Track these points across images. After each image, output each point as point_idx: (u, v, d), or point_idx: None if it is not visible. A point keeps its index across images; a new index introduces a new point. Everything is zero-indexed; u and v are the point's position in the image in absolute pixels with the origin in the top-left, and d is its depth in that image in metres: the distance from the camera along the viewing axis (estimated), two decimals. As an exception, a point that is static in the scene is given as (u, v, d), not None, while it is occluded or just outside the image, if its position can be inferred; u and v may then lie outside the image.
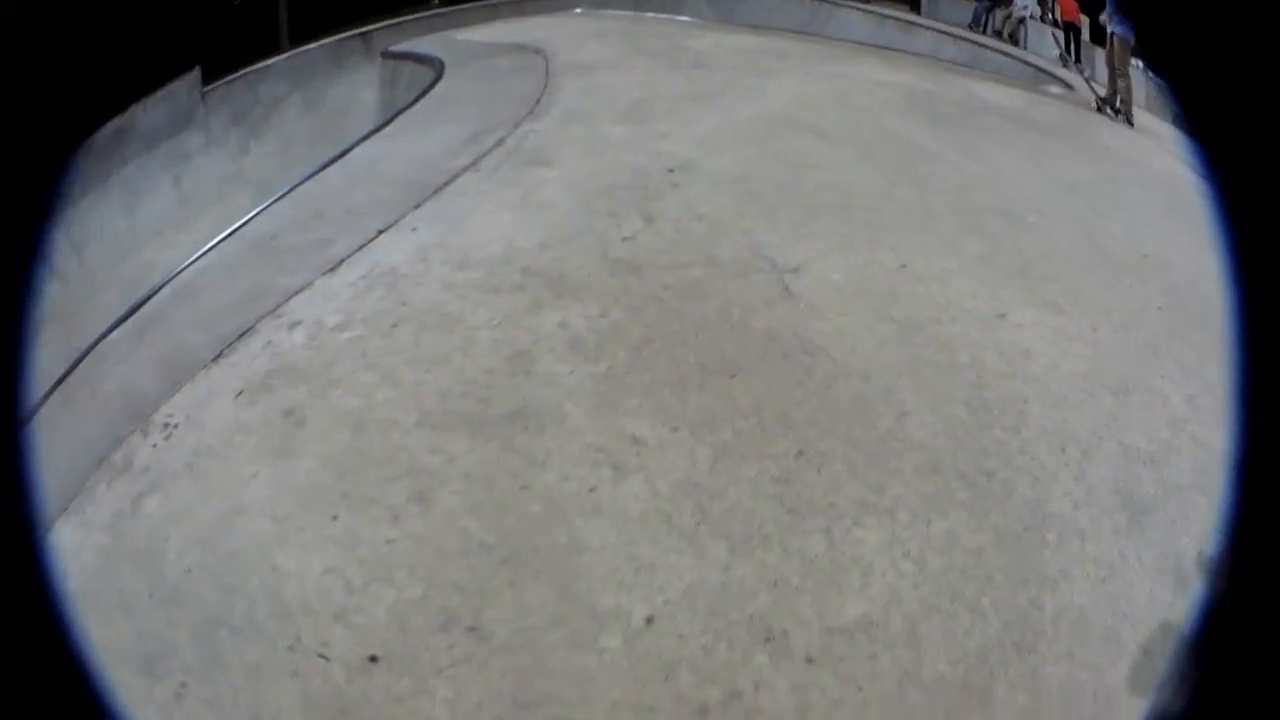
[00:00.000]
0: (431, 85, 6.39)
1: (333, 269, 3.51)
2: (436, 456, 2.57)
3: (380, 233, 3.71)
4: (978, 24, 12.30)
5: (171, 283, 4.03)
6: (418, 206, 3.94)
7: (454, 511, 2.39)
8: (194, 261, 4.19)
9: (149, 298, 3.95)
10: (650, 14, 10.63)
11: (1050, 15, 11.53)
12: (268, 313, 3.26)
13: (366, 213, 4.04)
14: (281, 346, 3.10)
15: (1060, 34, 10.89)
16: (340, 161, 5.10)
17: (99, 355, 3.76)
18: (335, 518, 2.40)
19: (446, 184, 4.19)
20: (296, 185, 4.90)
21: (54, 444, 3.32)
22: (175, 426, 2.90)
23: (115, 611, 2.29)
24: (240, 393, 2.93)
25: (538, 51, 7.39)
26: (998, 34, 11.70)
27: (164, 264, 10.80)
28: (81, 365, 3.79)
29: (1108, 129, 7.29)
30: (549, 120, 5.14)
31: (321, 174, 4.98)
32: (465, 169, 4.37)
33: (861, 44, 9.78)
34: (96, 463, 2.86)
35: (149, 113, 12.94)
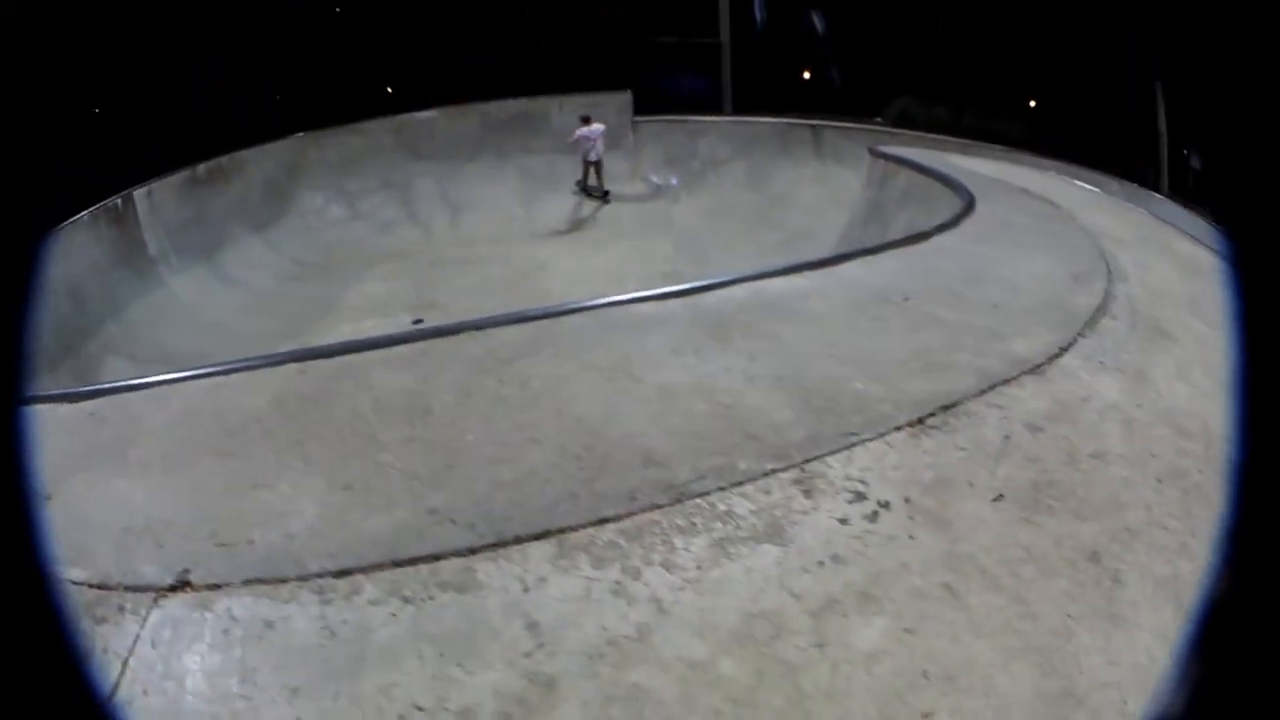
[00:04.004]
0: (970, 205, 6.00)
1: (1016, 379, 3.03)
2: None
3: (1063, 350, 3.21)
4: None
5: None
6: (1081, 335, 3.43)
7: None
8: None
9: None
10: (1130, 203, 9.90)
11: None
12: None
13: (1017, 320, 3.58)
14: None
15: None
16: (916, 247, 4.76)
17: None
18: None
19: (1089, 323, 3.65)
20: (877, 250, 4.60)
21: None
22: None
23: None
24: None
25: (1054, 204, 6.88)
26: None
27: (556, 268, 11.04)
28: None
29: None
30: (1133, 287, 4.48)
31: (896, 249, 4.67)
32: (1096, 310, 3.82)
33: None
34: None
35: (565, 113, 13.41)
